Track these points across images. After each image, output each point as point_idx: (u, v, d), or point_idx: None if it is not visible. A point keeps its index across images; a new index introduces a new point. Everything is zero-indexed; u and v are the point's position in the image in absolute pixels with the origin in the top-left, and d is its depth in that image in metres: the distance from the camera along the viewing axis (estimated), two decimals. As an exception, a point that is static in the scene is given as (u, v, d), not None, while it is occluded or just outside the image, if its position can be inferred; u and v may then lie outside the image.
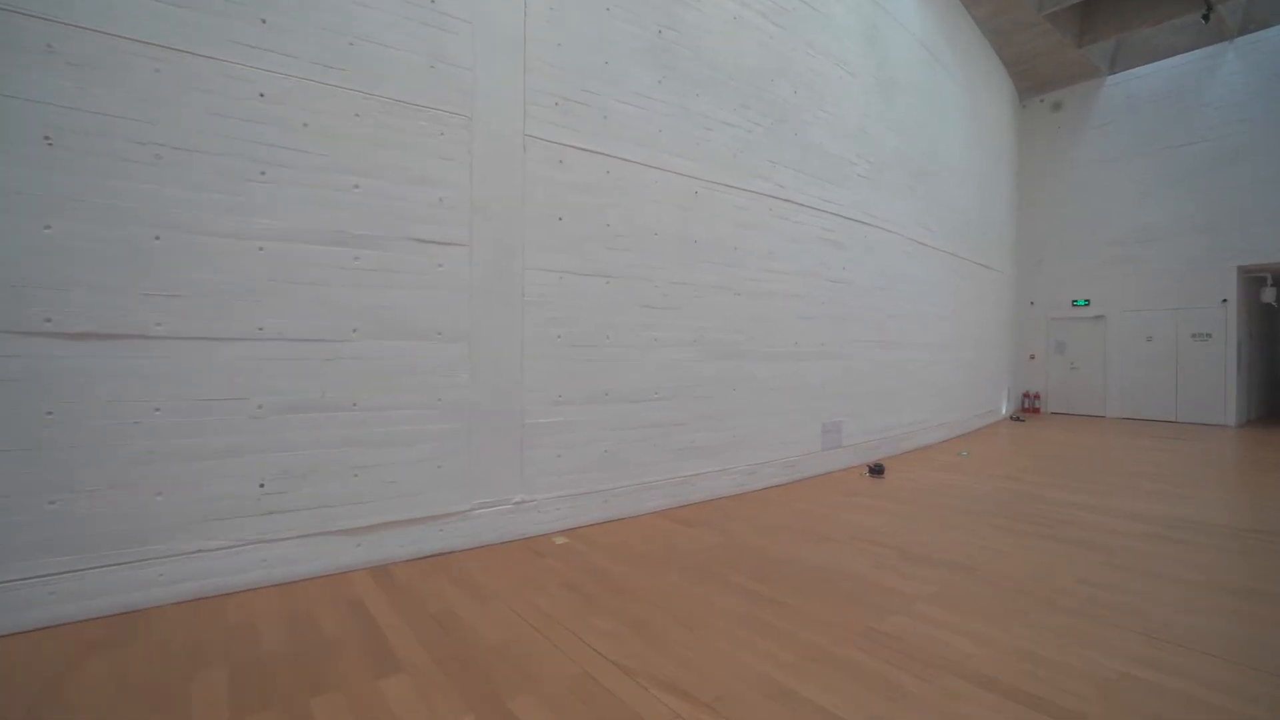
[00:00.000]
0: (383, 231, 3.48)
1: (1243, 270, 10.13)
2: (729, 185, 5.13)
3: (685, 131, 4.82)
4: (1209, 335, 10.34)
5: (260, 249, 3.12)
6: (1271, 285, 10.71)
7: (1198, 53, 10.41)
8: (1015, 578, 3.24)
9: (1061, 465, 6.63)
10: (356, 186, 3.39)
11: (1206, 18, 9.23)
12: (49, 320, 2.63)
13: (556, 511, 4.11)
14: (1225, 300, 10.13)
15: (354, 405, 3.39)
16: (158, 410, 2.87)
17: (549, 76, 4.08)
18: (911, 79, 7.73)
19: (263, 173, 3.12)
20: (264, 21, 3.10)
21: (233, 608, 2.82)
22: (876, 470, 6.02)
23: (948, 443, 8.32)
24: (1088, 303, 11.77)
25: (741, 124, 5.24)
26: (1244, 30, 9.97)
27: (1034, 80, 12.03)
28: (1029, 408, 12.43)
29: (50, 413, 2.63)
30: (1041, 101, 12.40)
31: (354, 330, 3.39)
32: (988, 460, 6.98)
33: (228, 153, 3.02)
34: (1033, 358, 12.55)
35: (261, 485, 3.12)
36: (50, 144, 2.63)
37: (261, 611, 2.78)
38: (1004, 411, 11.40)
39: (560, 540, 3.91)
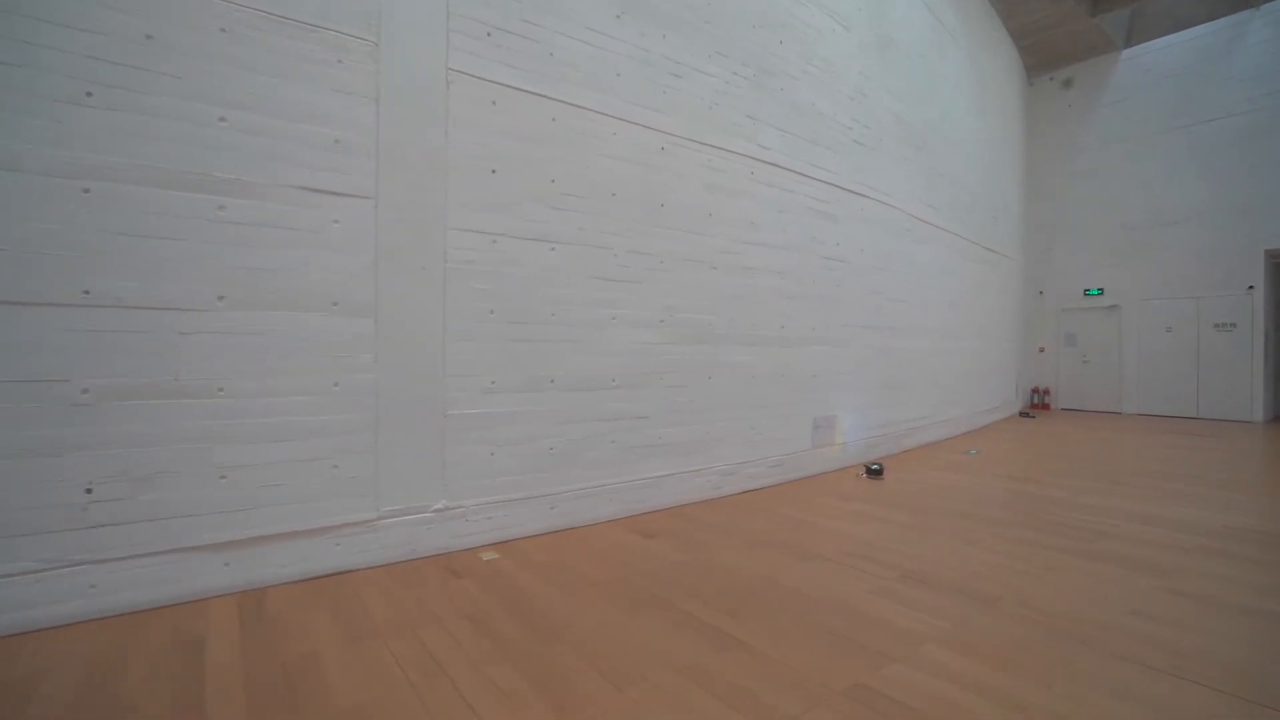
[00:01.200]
0: (260, 177, 2.81)
1: (1270, 254, 9.42)
2: (702, 142, 4.45)
3: (649, 77, 4.14)
4: (1233, 325, 9.63)
5: (86, 191, 2.45)
6: (1300, 272, 10.01)
7: (1221, 21, 9.70)
8: (1049, 610, 2.56)
9: (1083, 466, 5.93)
10: (223, 120, 2.72)
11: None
12: None
13: (488, 520, 3.44)
14: (1251, 287, 9.42)
15: (220, 391, 2.72)
16: (-75, 394, 2.20)
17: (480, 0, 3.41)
18: (912, 41, 7.04)
19: (89, 94, 2.45)
20: (84, -102, 2.44)
21: (27, 653, 2.15)
22: (875, 471, 5.34)
23: (953, 440, 7.63)
24: (1101, 292, 11.06)
25: (718, 73, 4.56)
26: (1271, -3, 9.27)
27: (1043, 55, 11.33)
28: (1038, 404, 11.73)
29: None
30: (1051, 79, 11.70)
31: (220, 298, 2.72)
32: (1000, 460, 6.29)
33: (36, 65, 2.36)
34: (1042, 350, 11.84)
35: (89, 491, 2.45)
36: None
37: (60, 657, 2.11)
38: (1015, 407, 10.71)
39: (488, 556, 3.24)
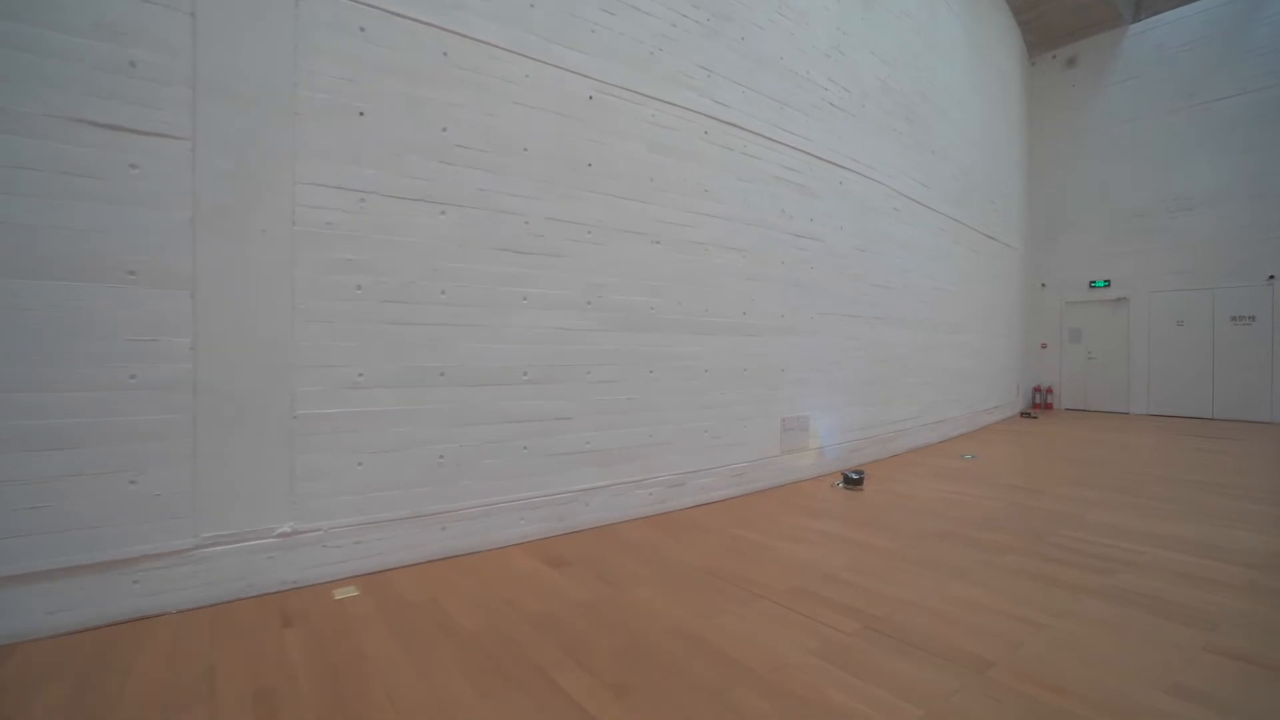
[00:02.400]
0: (22, 104, 2.14)
1: (1292, 242, 8.71)
2: (642, 94, 3.77)
3: (573, 11, 3.46)
4: (1252, 318, 8.91)
5: None
6: (1323, 261, 9.28)
7: (1238, -10, 9.00)
8: (1058, 682, 1.87)
9: (1092, 473, 5.23)
10: (-40, 25, 2.05)
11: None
12: None
13: (355, 547, 2.76)
14: (1272, 277, 8.70)
15: (-44, 385, 2.05)
16: None
17: (340, -102, 2.74)
18: None
19: None
20: None
21: None
22: (854, 480, 4.65)
23: (948, 444, 6.93)
24: (1108, 284, 10.35)
25: (661, 13, 3.88)
26: (1292, -37, 8.57)
27: (1045, 32, 10.63)
28: (1040, 403, 11.02)
29: None
30: (1054, 58, 10.99)
31: (-44, 262, 2.05)
32: (998, 466, 5.60)
33: None
34: (1045, 347, 11.13)
35: None
36: None
37: None
38: (1015, 407, 10.01)
39: (345, 594, 2.56)
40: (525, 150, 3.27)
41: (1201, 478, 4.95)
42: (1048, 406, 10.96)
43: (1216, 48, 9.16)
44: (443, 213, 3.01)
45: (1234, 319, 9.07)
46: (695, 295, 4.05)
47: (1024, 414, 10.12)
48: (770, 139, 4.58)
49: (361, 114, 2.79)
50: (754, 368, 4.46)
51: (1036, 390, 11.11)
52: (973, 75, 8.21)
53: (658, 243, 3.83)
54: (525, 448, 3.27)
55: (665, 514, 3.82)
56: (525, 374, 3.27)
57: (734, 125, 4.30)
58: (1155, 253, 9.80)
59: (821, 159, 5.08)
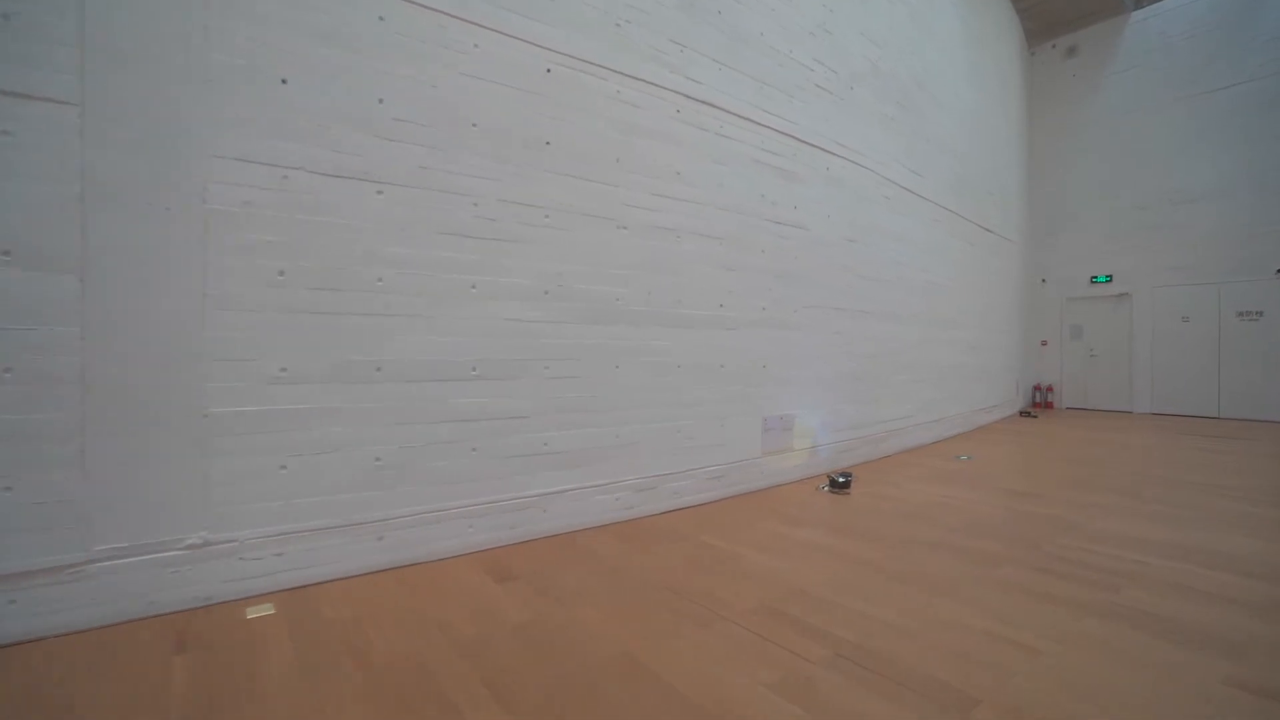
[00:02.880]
0: None
1: (1300, 235, 8.42)
2: (608, 68, 3.50)
3: (530, -24, 3.20)
4: (1259, 313, 8.62)
5: None
6: (1332, 254, 8.98)
7: (1244, -25, 8.71)
8: (1048, 722, 1.60)
9: (1096, 475, 4.96)
10: None
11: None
12: None
13: (276, 559, 2.49)
14: (1280, 271, 8.43)
15: None
16: None
17: None
18: (893, -17, 6.08)
19: None
20: None
21: None
22: (840, 483, 4.38)
23: (943, 444, 6.66)
24: (1109, 279, 10.06)
25: (629, -18, 3.62)
26: (1300, -54, 8.28)
27: (1044, 20, 10.34)
28: (1040, 402, 10.74)
29: None
30: (1053, 47, 10.70)
31: None
32: (996, 468, 5.32)
33: None
34: (1045, 344, 10.85)
35: None
36: None
37: None
38: (1015, 405, 9.73)
39: (258, 612, 2.29)
40: (474, 126, 3.01)
41: (1210, 480, 4.68)
42: (1048, 405, 10.67)
43: (1220, 34, 8.87)
44: (379, 192, 2.74)
45: (1240, 314, 8.78)
46: (666, 285, 3.78)
47: (1023, 413, 9.84)
48: (750, 120, 4.31)
49: (284, 81, 2.52)
50: (732, 363, 4.19)
51: (1036, 389, 10.82)
52: (970, 62, 7.93)
53: (624, 228, 3.56)
54: (474, 449, 3.00)
55: (633, 520, 3.55)
56: (474, 369, 3.00)
57: (710, 104, 4.03)
58: (1158, 247, 9.51)
59: (806, 143, 4.81)
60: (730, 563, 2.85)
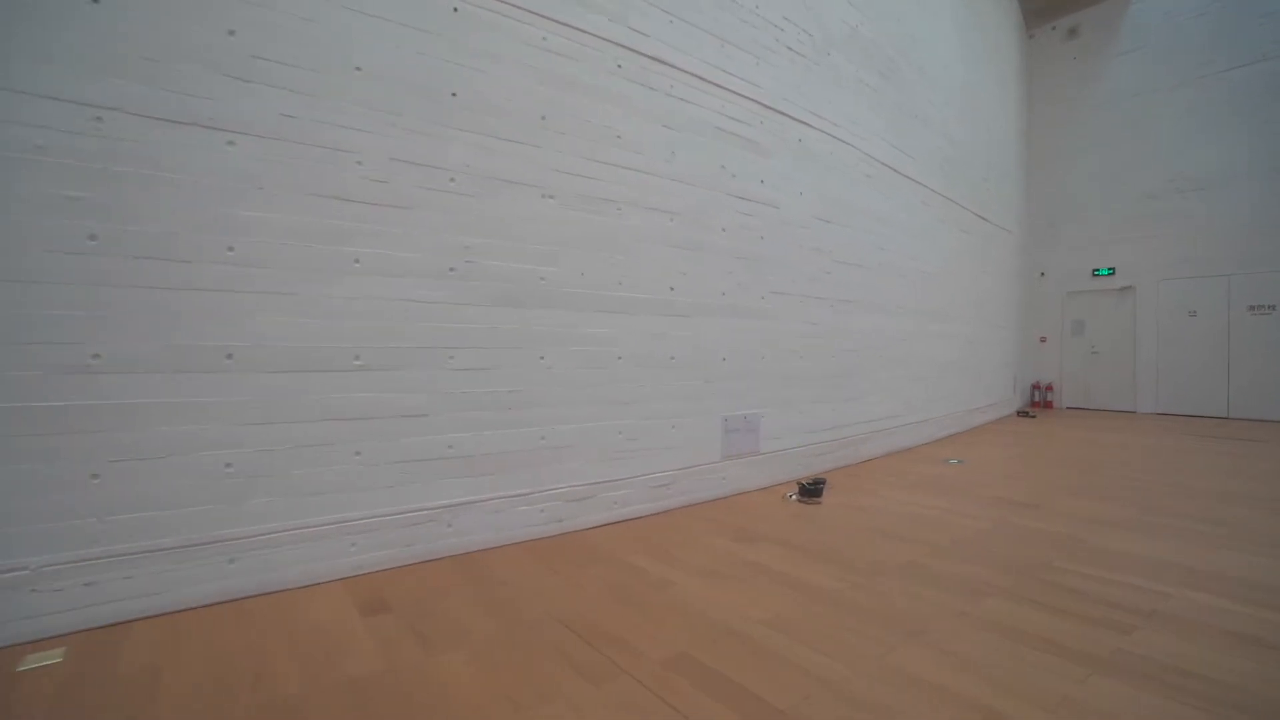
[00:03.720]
0: None
1: (1316, 223, 7.91)
2: (531, 10, 3.02)
3: (432, -103, 2.72)
4: (1271, 308, 8.12)
5: None
6: (1348, 245, 8.47)
7: (1255, -52, 8.21)
8: None
9: (1100, 482, 4.47)
10: None
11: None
12: None
13: (83, 591, 2.02)
14: (1294, 261, 7.92)
15: None
16: None
17: None
18: (878, -55, 5.59)
19: None
20: None
21: None
22: (811, 490, 3.90)
23: (933, 446, 6.17)
24: (1112, 271, 9.56)
25: (559, -86, 3.13)
26: (1316, -84, 7.77)
27: (1043, 1, 9.84)
28: (1039, 401, 10.24)
29: None
30: (1053, 29, 10.20)
31: None
32: (990, 473, 4.84)
33: None
34: (1044, 340, 10.35)
35: None
36: None
37: None
38: (1012, 405, 9.23)
39: (37, 661, 1.81)
40: (358, 70, 2.53)
41: (1227, 486, 4.19)
42: (1047, 405, 10.17)
43: (1231, 12, 8.36)
44: (231, 143, 2.27)
45: (1252, 308, 8.28)
46: (604, 265, 3.30)
47: (1021, 413, 9.34)
48: (706, 80, 3.83)
49: (96, 1, 2.05)
50: (686, 355, 3.71)
51: (1035, 387, 10.32)
52: (963, 38, 7.44)
53: (551, 197, 3.08)
54: (358, 453, 2.53)
55: (561, 535, 3.07)
56: (357, 358, 2.53)
57: (658, 60, 3.55)
58: (1164, 237, 9.00)
59: (775, 110, 4.32)
60: (656, 593, 2.37)
